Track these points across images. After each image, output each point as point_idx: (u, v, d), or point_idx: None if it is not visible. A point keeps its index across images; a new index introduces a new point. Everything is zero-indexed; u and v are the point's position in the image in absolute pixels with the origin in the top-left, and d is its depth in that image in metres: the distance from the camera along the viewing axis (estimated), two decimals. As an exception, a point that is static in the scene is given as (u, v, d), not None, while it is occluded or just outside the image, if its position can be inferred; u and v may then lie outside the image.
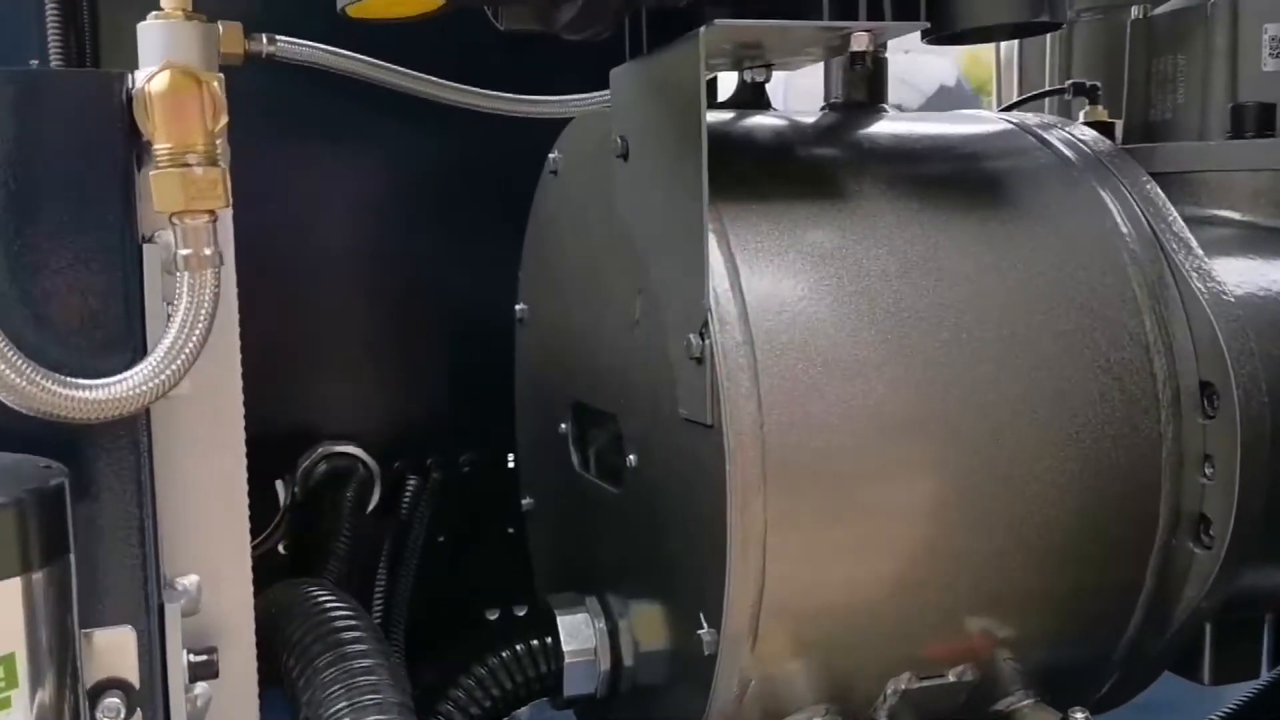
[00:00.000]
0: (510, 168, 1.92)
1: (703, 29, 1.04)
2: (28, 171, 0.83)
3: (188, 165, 0.82)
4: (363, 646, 1.04)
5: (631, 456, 1.27)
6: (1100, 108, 1.75)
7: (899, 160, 1.29)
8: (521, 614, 2.13)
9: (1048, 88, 2.07)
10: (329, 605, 1.11)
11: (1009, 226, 1.22)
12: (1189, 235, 1.26)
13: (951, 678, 1.20)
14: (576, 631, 1.35)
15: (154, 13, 1.05)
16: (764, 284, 1.11)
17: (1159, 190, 1.29)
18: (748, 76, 1.33)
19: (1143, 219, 1.26)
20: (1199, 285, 1.21)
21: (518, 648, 1.34)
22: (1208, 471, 1.20)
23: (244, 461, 0.98)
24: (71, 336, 0.85)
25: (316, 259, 1.80)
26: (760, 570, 1.07)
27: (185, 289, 0.84)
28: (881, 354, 1.12)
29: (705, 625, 1.11)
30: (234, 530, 0.98)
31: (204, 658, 0.94)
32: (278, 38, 1.53)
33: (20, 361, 0.78)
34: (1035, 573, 1.20)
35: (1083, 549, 1.20)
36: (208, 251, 0.84)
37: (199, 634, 0.96)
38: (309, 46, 1.54)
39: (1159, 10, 1.53)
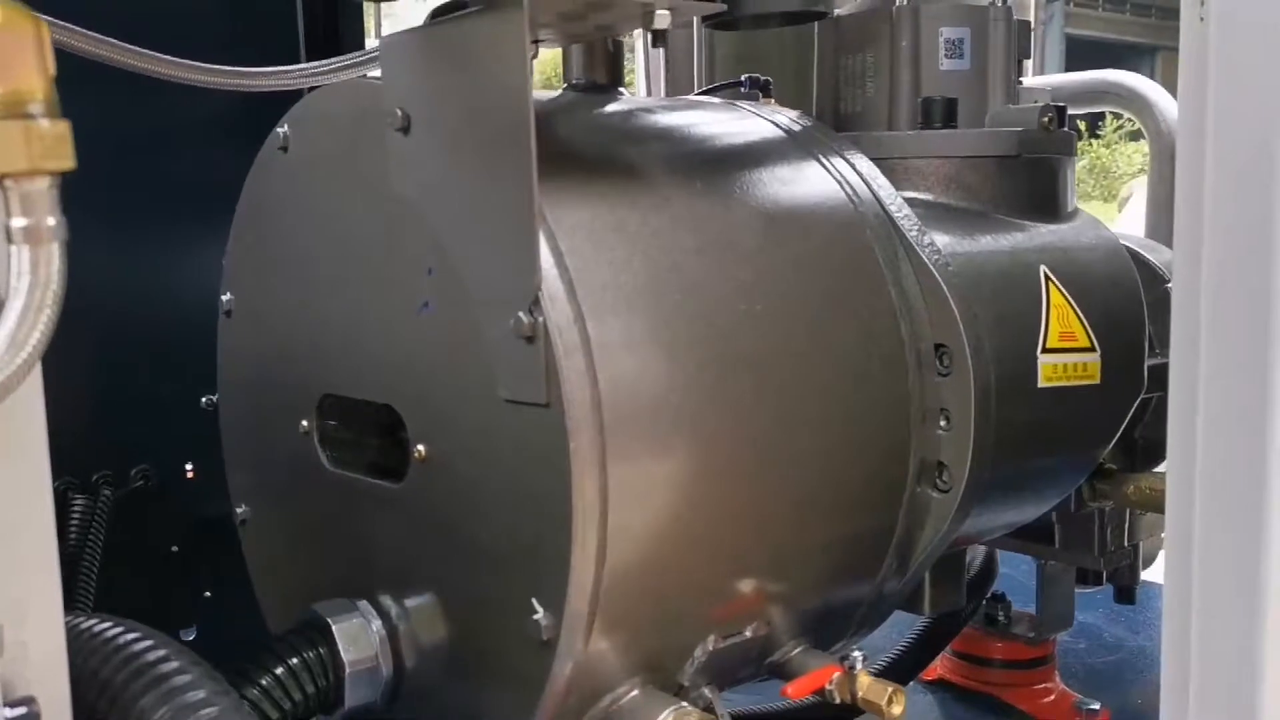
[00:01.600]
0: (188, 143, 1.76)
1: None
2: None
3: (30, 116, 0.68)
4: (188, 677, 0.90)
5: (420, 447, 1.21)
6: (773, 101, 1.88)
7: (668, 140, 1.32)
8: (190, 639, 1.96)
9: (701, 87, 2.20)
10: (125, 638, 0.95)
11: (779, 203, 1.30)
12: (909, 210, 1.40)
13: (749, 634, 1.26)
14: (355, 638, 1.26)
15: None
16: (586, 260, 1.10)
17: (880, 173, 1.43)
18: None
19: (871, 195, 1.39)
20: (928, 256, 1.35)
21: (291, 662, 1.23)
22: (943, 424, 1.35)
23: (48, 472, 0.83)
24: None
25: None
26: (602, 549, 1.07)
27: (27, 267, 0.69)
28: (692, 330, 1.15)
29: (541, 610, 1.08)
30: (41, 552, 0.82)
31: (21, 710, 0.79)
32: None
33: None
34: (813, 526, 1.29)
35: (850, 501, 1.31)
36: (51, 221, 0.70)
37: (9, 683, 0.79)
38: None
39: (844, 11, 1.68)
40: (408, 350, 1.21)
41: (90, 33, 1.41)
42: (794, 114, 1.50)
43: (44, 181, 0.69)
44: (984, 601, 1.98)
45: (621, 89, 1.46)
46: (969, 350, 1.32)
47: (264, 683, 1.21)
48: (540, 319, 1.05)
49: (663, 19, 1.11)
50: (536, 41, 1.27)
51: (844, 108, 1.66)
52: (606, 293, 1.10)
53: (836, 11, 1.69)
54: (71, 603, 1.61)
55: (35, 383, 0.81)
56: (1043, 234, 1.55)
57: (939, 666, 2.07)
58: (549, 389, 1.05)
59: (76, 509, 1.69)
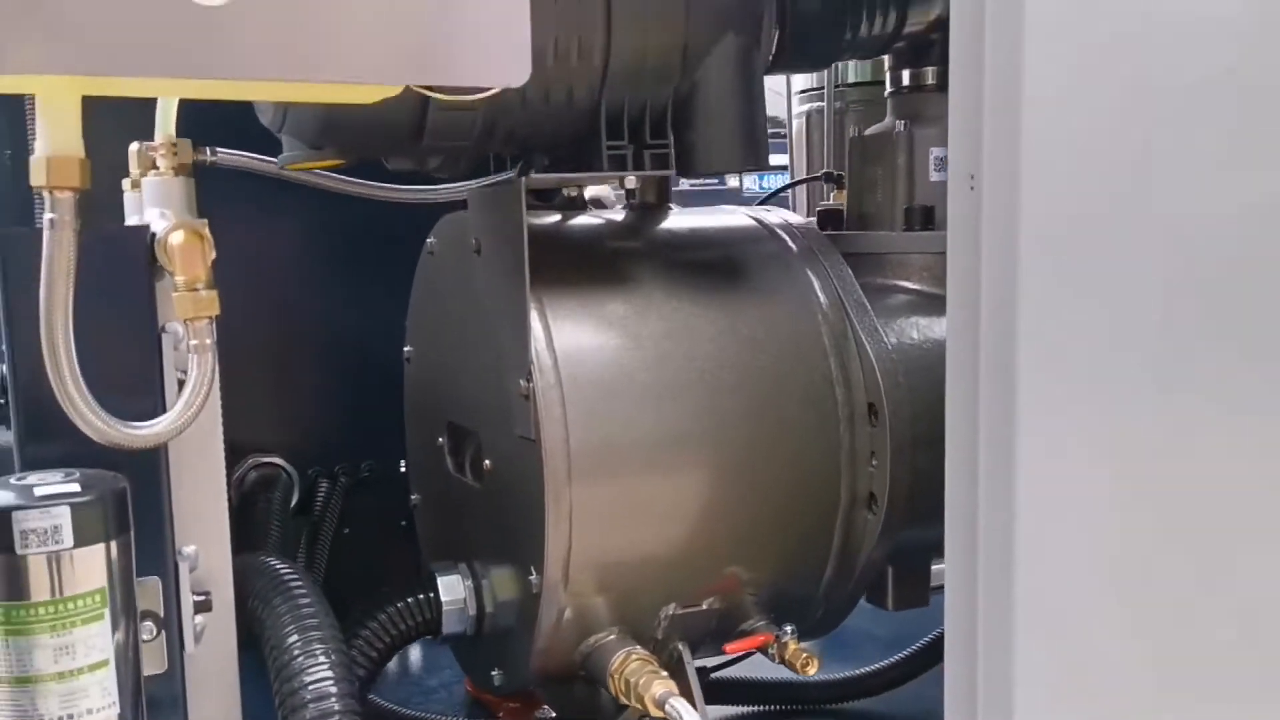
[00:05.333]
0: (388, 239, 2.45)
1: (521, 179, 1.59)
2: (99, 293, 1.32)
3: (196, 291, 1.34)
4: (304, 590, 1.56)
5: (488, 461, 1.82)
6: (844, 192, 2.34)
7: (670, 250, 1.86)
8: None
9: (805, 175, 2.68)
10: (279, 568, 1.63)
11: (741, 298, 1.81)
12: (866, 302, 1.85)
13: (705, 605, 1.77)
14: (452, 588, 1.89)
15: (153, 171, 1.57)
16: (569, 342, 1.66)
17: (848, 270, 1.89)
18: (566, 191, 1.89)
19: (835, 291, 1.85)
20: (867, 340, 1.81)
21: (409, 600, 1.87)
22: (873, 464, 1.80)
23: (223, 469, 1.50)
24: (118, 393, 1.35)
25: (249, 311, 2.29)
26: (568, 537, 1.63)
27: (195, 367, 1.35)
28: (651, 390, 1.69)
29: (534, 574, 1.66)
30: (218, 517, 1.50)
31: (202, 598, 1.46)
32: (218, 150, 2.03)
33: (98, 410, 1.27)
34: (762, 535, 1.78)
35: (792, 519, 1.79)
36: (209, 342, 1.35)
37: (197, 583, 1.47)
38: (239, 155, 2.04)
39: (868, 131, 2.13)
40: (484, 395, 1.82)
41: (323, 174, 2.11)
42: (796, 219, 1.98)
43: (204, 322, 1.34)
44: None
45: (670, 205, 2.00)
46: (887, 410, 1.76)
47: (389, 610, 1.86)
48: (531, 384, 1.62)
49: (630, 181, 1.66)
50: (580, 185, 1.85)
51: (865, 208, 2.12)
52: (583, 366, 1.66)
53: (865, 132, 2.15)
54: (312, 554, 2.34)
55: (216, 425, 1.48)
56: (999, 315, 1.94)
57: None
58: (535, 430, 1.62)
59: (322, 490, 2.42)
